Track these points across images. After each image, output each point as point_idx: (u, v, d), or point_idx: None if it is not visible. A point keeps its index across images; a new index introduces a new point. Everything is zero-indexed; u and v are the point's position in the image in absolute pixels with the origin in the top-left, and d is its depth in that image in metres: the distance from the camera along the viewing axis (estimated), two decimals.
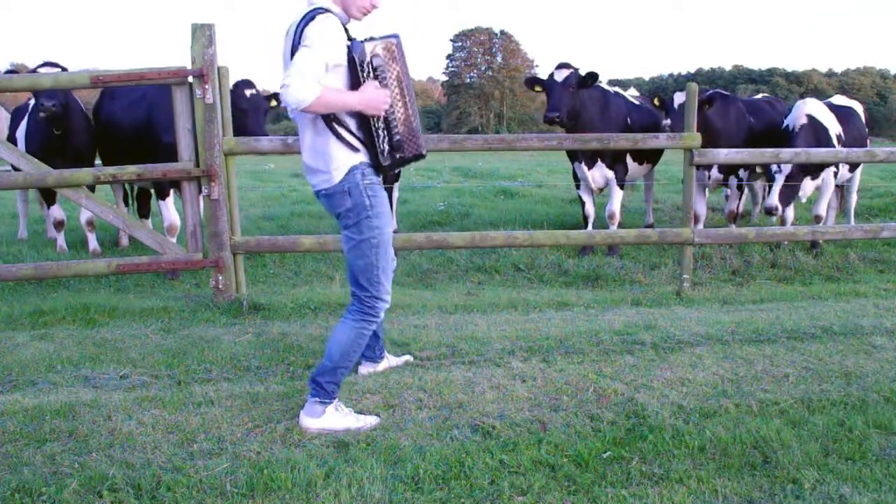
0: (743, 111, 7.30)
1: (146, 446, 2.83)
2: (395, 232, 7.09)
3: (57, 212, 6.85)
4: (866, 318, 4.72)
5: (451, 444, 2.85)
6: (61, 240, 6.91)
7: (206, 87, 4.76)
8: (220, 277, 5.02)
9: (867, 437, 2.91)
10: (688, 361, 3.83)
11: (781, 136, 6.94)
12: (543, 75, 6.77)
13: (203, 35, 4.77)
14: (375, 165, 2.93)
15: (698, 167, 6.59)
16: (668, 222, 8.56)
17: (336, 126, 2.84)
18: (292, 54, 2.77)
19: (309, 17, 2.78)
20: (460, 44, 58.47)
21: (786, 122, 7.15)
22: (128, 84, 4.86)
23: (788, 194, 6.54)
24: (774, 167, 6.45)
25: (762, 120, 7.46)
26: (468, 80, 57.37)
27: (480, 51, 58.32)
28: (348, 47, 2.81)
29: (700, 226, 6.97)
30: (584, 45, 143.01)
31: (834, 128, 7.03)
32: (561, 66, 6.55)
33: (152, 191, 6.79)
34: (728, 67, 65.99)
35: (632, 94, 7.97)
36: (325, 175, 2.90)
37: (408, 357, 3.88)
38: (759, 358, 3.90)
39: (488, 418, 3.08)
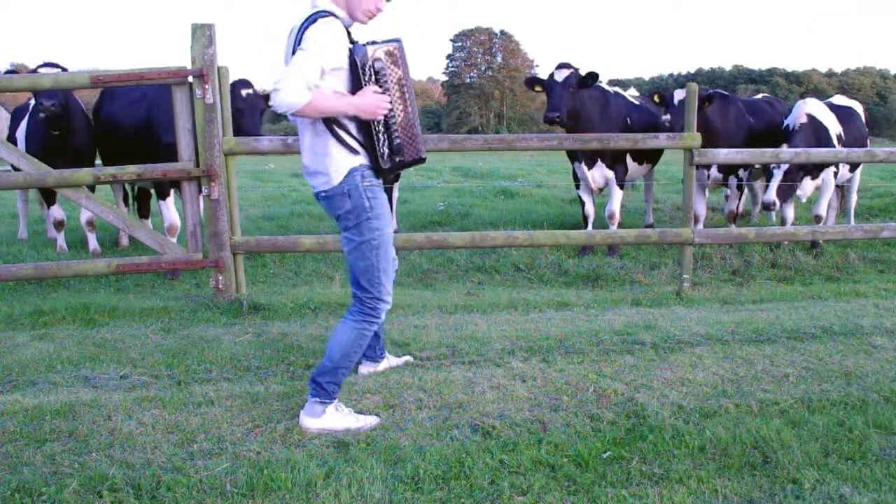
0: (742, 111, 7.30)
1: (146, 446, 2.83)
2: (395, 232, 7.12)
3: (57, 212, 6.85)
4: (866, 318, 4.72)
5: (451, 444, 2.85)
6: (61, 240, 6.91)
7: (206, 87, 4.76)
8: (220, 277, 5.02)
9: (867, 437, 2.91)
10: (688, 361, 3.83)
11: (781, 137, 6.94)
12: (543, 75, 6.78)
13: (203, 35, 4.77)
14: (375, 168, 2.93)
15: (698, 167, 6.59)
16: (668, 222, 8.56)
17: (336, 128, 2.85)
18: (292, 56, 2.77)
19: (311, 20, 2.78)
20: (460, 44, 58.48)
21: (786, 121, 7.15)
22: (128, 84, 4.86)
23: (786, 190, 6.54)
24: (773, 164, 6.46)
25: (762, 120, 7.46)
26: (468, 80, 57.37)
27: (480, 51, 58.32)
28: (350, 50, 2.81)
29: (700, 226, 6.97)
30: (584, 45, 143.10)
31: (834, 128, 7.03)
32: (561, 66, 6.55)
33: (152, 191, 6.80)
34: (728, 67, 66.04)
35: (632, 94, 7.98)
36: (324, 177, 2.90)
37: (408, 357, 3.88)
38: (759, 358, 3.90)
39: (488, 418, 3.08)
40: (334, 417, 2.99)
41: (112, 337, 4.30)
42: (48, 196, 6.83)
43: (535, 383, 3.49)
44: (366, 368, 3.66)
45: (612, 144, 5.54)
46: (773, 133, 7.17)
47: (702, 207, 7.19)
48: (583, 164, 6.89)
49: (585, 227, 7.08)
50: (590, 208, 7.11)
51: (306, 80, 2.68)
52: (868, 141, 7.70)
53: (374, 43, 2.88)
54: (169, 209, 6.26)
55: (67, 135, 6.16)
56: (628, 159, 7.01)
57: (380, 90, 2.83)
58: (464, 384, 3.46)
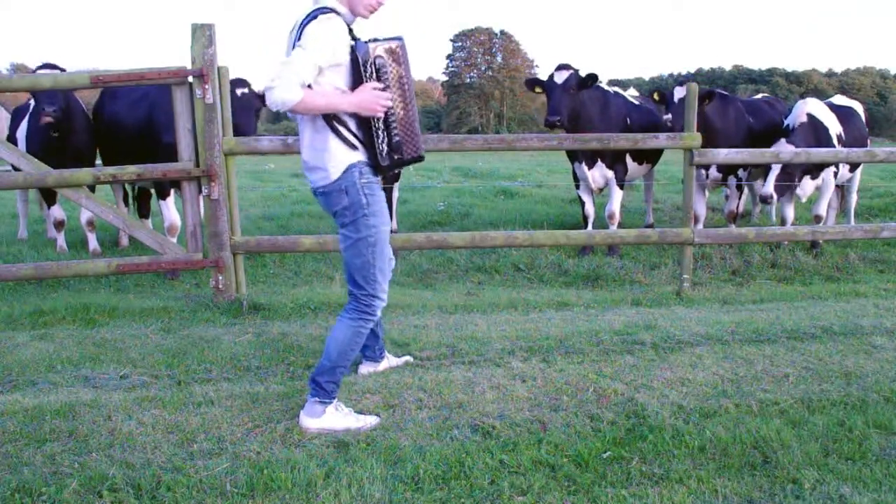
0: (742, 111, 7.30)
1: (146, 446, 2.83)
2: (395, 232, 7.12)
3: (57, 212, 6.85)
4: (866, 318, 4.72)
5: (451, 444, 2.85)
6: (61, 240, 6.91)
7: (206, 87, 4.77)
8: (220, 277, 5.02)
9: (867, 437, 2.91)
10: (688, 361, 3.83)
11: (781, 136, 6.94)
12: (543, 76, 6.77)
13: (203, 35, 4.77)
14: (374, 165, 2.93)
15: (698, 167, 6.59)
16: (668, 222, 8.56)
17: (335, 124, 2.85)
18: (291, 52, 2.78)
19: (311, 17, 2.78)
20: (460, 44, 58.48)
21: (786, 121, 7.15)
22: (128, 84, 4.86)
23: (786, 190, 6.54)
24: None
25: (761, 120, 7.46)
26: (468, 80, 57.36)
27: (480, 51, 58.32)
28: (352, 47, 2.81)
29: (700, 226, 6.97)
30: (584, 45, 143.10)
31: (834, 127, 7.03)
32: (561, 67, 6.54)
33: (152, 191, 6.80)
34: (728, 67, 66.03)
35: (632, 94, 7.98)
36: (323, 172, 2.90)
37: (408, 357, 3.88)
38: (759, 358, 3.90)
39: (488, 418, 3.08)
40: (334, 417, 2.99)
41: (112, 337, 4.30)
42: (48, 196, 6.83)
43: (535, 383, 3.49)
44: (366, 368, 3.66)
45: (612, 144, 5.54)
46: (772, 133, 7.17)
47: (702, 207, 7.19)
48: (583, 164, 6.89)
49: (585, 227, 7.08)
50: (590, 208, 7.11)
51: (301, 78, 2.68)
52: (868, 141, 7.70)
53: (376, 40, 2.88)
54: (169, 209, 6.26)
55: (68, 135, 6.15)
56: (628, 159, 7.01)
57: (380, 87, 2.83)
58: (464, 384, 3.46)
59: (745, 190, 7.59)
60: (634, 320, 4.65)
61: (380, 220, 2.96)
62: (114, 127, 6.37)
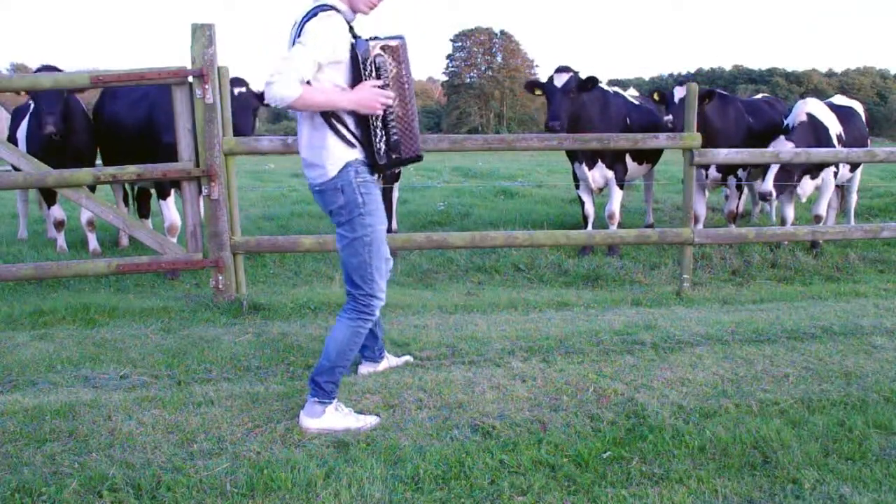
0: (742, 111, 7.30)
1: (146, 446, 2.83)
2: (395, 232, 7.12)
3: (57, 212, 6.85)
4: (866, 318, 4.72)
5: (451, 444, 2.85)
6: (61, 240, 6.91)
7: (206, 87, 4.77)
8: (220, 277, 5.02)
9: (867, 437, 2.91)
10: (688, 361, 3.83)
11: (780, 134, 6.93)
12: (543, 76, 6.76)
13: (203, 35, 4.77)
14: (371, 164, 2.92)
15: (698, 167, 6.59)
16: (668, 222, 8.56)
17: (334, 122, 2.85)
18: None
19: (311, 14, 2.78)
20: (460, 44, 58.50)
21: (786, 121, 7.15)
22: (128, 84, 4.86)
23: (786, 190, 6.54)
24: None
25: (761, 120, 7.46)
26: (468, 80, 57.38)
27: (480, 51, 58.34)
28: (352, 45, 2.81)
29: (700, 226, 6.97)
30: (584, 44, 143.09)
31: (834, 127, 7.03)
32: (560, 69, 6.51)
33: (152, 191, 6.80)
34: (728, 67, 66.06)
35: (631, 94, 7.97)
36: (320, 169, 2.90)
37: (408, 357, 3.88)
38: (759, 358, 3.90)
39: (488, 418, 3.08)
40: (334, 417, 2.99)
41: (112, 337, 4.30)
42: (48, 196, 6.83)
43: (535, 383, 3.49)
44: (366, 368, 3.66)
45: (612, 144, 5.54)
46: (772, 133, 7.17)
47: (702, 207, 7.18)
48: (583, 164, 6.89)
49: (585, 227, 7.08)
50: (590, 208, 7.11)
51: (300, 74, 2.68)
52: (868, 141, 7.70)
53: (377, 39, 2.88)
54: (170, 209, 6.26)
55: (68, 135, 6.15)
56: (628, 159, 7.01)
57: (379, 84, 2.83)
58: (464, 384, 3.46)
59: (745, 190, 7.59)
60: (634, 320, 4.65)
61: (376, 219, 2.96)
62: (114, 127, 6.37)
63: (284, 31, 2.97)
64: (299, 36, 2.76)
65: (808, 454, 2.76)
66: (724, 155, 5.64)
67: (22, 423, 3.01)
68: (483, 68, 57.93)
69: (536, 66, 59.49)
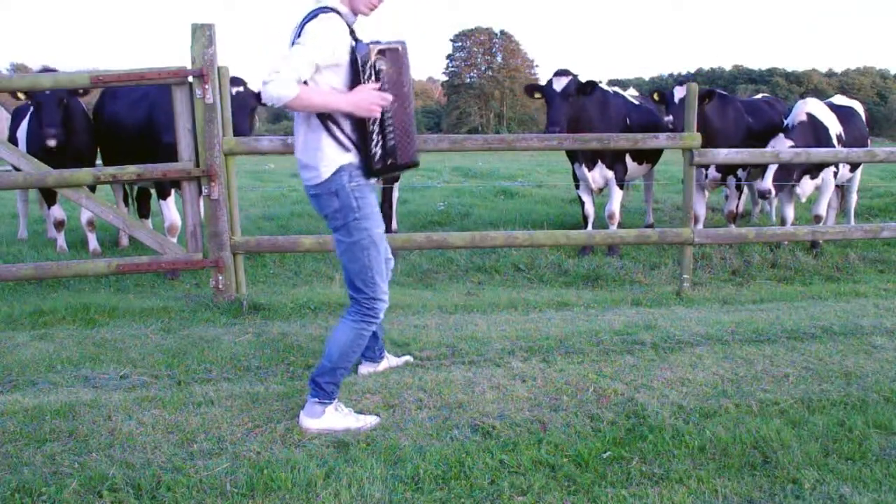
0: (741, 111, 7.30)
1: (146, 446, 2.83)
2: (395, 232, 7.12)
3: (57, 212, 6.85)
4: (866, 318, 4.72)
5: (451, 444, 2.85)
6: (61, 240, 6.91)
7: (206, 87, 4.77)
8: (220, 277, 5.02)
9: (867, 437, 2.91)
10: (688, 361, 3.83)
11: (780, 133, 6.93)
12: (544, 77, 6.77)
13: (203, 35, 4.77)
14: (366, 168, 2.90)
15: (698, 167, 6.59)
16: (668, 222, 8.56)
17: (330, 124, 2.84)
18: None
19: (312, 15, 2.78)
20: (460, 44, 58.49)
21: (786, 121, 7.15)
22: (128, 84, 4.87)
23: (786, 190, 6.54)
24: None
25: (761, 120, 7.46)
26: (468, 80, 57.38)
27: (480, 51, 58.33)
28: (352, 48, 2.81)
29: (700, 226, 6.97)
30: (584, 44, 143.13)
31: (834, 127, 7.03)
32: (560, 73, 6.49)
33: (152, 191, 6.79)
34: (728, 67, 66.06)
35: (631, 94, 7.97)
36: (314, 171, 2.89)
37: (408, 357, 3.88)
38: (759, 358, 3.90)
39: (488, 418, 3.08)
40: (334, 417, 2.99)
41: (112, 337, 4.30)
42: (48, 196, 6.83)
43: (535, 383, 3.49)
44: (366, 368, 3.66)
45: (612, 144, 5.54)
46: (772, 133, 7.17)
47: (702, 207, 7.18)
48: (583, 164, 6.89)
49: (585, 227, 7.08)
50: (590, 208, 7.11)
51: (298, 74, 2.68)
52: (868, 141, 7.70)
53: (377, 42, 2.87)
54: (170, 209, 6.26)
55: (68, 136, 6.15)
56: (628, 159, 7.01)
57: (378, 88, 2.82)
58: (464, 384, 3.46)
59: (745, 190, 7.60)
60: (634, 320, 4.65)
61: (372, 222, 2.94)
62: (114, 127, 6.37)
63: (284, 31, 2.97)
64: (299, 37, 2.76)
65: (808, 454, 2.76)
66: (724, 155, 5.64)
67: (22, 423, 3.01)
68: (483, 68, 57.93)
69: (536, 66, 59.57)
